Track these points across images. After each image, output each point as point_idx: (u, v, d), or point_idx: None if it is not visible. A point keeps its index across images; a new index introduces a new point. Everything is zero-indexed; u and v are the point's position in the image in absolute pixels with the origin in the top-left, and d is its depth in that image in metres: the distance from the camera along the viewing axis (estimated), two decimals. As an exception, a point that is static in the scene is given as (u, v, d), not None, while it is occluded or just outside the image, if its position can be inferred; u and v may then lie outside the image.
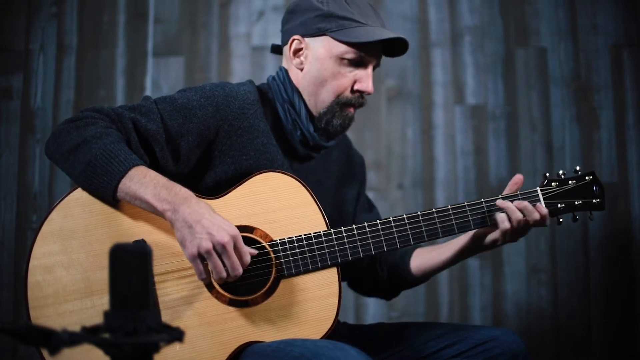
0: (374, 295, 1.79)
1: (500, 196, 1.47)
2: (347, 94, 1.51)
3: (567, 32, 2.60)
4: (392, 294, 1.75)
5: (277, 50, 1.64)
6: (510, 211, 1.42)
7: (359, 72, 1.50)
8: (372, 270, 1.70)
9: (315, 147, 1.56)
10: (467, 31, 2.62)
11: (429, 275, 1.66)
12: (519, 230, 1.45)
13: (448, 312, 2.49)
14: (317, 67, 1.50)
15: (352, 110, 1.53)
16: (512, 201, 1.44)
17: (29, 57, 2.51)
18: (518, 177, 1.50)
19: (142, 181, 1.27)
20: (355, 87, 1.50)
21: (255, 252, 1.32)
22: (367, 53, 1.48)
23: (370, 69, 1.51)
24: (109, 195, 1.30)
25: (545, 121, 2.57)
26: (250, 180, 1.40)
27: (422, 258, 1.64)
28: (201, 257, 1.25)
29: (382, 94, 2.60)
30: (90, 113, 1.37)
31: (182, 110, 1.42)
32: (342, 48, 1.47)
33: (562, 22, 2.61)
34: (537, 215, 1.42)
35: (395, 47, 1.54)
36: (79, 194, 1.34)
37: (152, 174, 1.29)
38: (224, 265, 1.26)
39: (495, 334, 1.46)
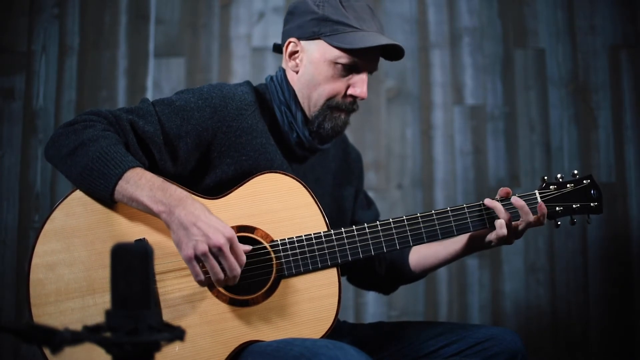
0: (373, 289, 1.80)
1: (497, 198, 1.49)
2: (339, 98, 1.49)
3: (565, 33, 2.61)
4: (390, 289, 1.76)
5: (278, 49, 1.64)
6: (497, 211, 1.44)
7: (353, 77, 1.48)
8: (370, 266, 1.71)
9: (311, 149, 1.56)
10: (466, 32, 2.63)
11: (427, 271, 1.67)
12: (515, 232, 1.46)
13: (447, 311, 2.50)
14: (311, 70, 1.49)
15: (343, 114, 1.51)
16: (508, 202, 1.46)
17: (31, 58, 2.52)
18: (504, 191, 1.49)
19: (138, 183, 1.27)
20: (349, 92, 1.49)
21: (249, 248, 1.32)
22: (360, 58, 1.46)
23: (364, 74, 1.49)
24: (107, 198, 1.30)
25: (544, 121, 2.58)
26: (252, 180, 1.41)
27: (421, 255, 1.65)
28: (197, 259, 1.25)
29: (381, 95, 2.61)
30: (88, 116, 1.37)
31: (180, 112, 1.42)
32: (335, 53, 1.45)
33: (560, 23, 2.61)
34: (531, 217, 1.44)
35: (394, 51, 1.52)
36: (82, 192, 1.35)
37: (148, 175, 1.29)
38: (222, 267, 1.26)
39: (493, 333, 1.47)
